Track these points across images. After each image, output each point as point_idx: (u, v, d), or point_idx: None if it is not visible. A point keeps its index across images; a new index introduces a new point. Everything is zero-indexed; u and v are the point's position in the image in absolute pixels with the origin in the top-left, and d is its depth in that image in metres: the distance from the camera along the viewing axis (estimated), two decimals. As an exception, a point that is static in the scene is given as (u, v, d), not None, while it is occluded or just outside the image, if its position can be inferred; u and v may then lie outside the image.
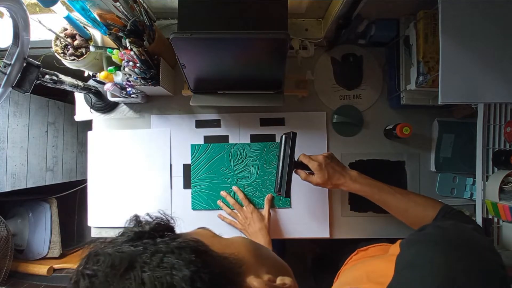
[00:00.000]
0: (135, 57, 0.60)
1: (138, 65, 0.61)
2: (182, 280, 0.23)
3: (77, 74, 0.72)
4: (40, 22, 0.58)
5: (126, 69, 0.62)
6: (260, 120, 0.80)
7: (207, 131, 0.80)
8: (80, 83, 0.70)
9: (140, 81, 0.66)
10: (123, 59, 0.61)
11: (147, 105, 0.81)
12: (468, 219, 0.51)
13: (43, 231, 1.11)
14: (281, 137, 0.67)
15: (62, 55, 0.67)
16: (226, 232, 0.77)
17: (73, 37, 0.67)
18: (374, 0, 0.62)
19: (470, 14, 0.52)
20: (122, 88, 0.69)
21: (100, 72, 0.66)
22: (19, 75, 0.52)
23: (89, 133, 0.81)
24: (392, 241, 0.51)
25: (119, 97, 0.73)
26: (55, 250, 1.12)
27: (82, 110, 0.82)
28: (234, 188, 0.77)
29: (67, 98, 1.20)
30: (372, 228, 0.77)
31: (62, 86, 0.64)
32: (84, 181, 1.08)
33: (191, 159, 0.79)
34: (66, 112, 1.19)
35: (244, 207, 0.75)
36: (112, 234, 0.81)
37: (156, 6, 0.69)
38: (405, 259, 0.34)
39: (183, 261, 0.24)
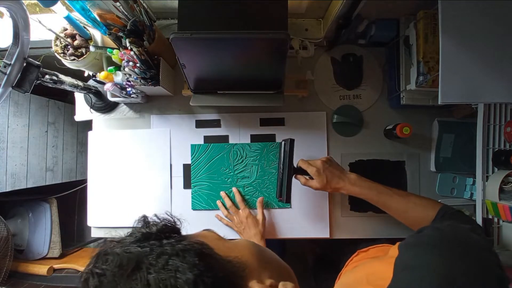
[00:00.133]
0: (135, 57, 0.60)
1: (138, 65, 0.61)
2: (185, 283, 0.23)
3: (77, 74, 0.72)
4: (40, 22, 0.58)
5: (126, 69, 0.62)
6: (260, 120, 0.80)
7: (207, 131, 0.80)
8: (80, 83, 0.70)
9: (140, 81, 0.66)
10: (123, 59, 0.61)
11: (147, 105, 0.81)
12: (467, 219, 0.51)
13: (43, 231, 1.11)
14: (280, 143, 0.70)
15: (62, 55, 0.67)
16: (227, 232, 0.77)
17: (73, 37, 0.67)
18: (374, 0, 0.62)
19: (470, 14, 0.52)
20: (122, 88, 0.69)
21: (100, 72, 0.66)
22: (19, 75, 0.52)
23: (89, 133, 0.81)
24: (392, 241, 0.51)
25: (119, 97, 0.73)
26: (55, 250, 1.12)
27: (82, 110, 0.82)
28: (234, 189, 0.77)
29: (67, 98, 1.20)
30: (372, 228, 0.77)
31: (62, 86, 0.64)
32: (84, 181, 1.08)
33: (191, 159, 0.79)
34: (66, 112, 1.19)
35: (240, 211, 0.75)
36: (112, 234, 0.81)
37: (156, 6, 0.69)
38: (403, 261, 0.34)
39: (187, 264, 0.24)
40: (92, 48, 0.64)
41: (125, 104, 0.82)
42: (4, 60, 0.50)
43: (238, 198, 0.76)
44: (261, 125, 0.80)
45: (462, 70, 0.53)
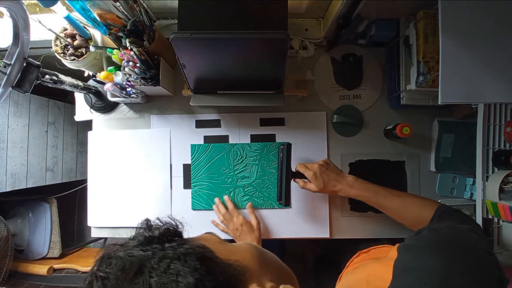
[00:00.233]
0: (135, 57, 0.60)
1: (138, 65, 0.61)
2: (186, 287, 0.24)
3: (77, 74, 0.72)
4: (40, 22, 0.58)
5: (126, 69, 0.62)
6: (260, 120, 0.80)
7: (207, 131, 0.80)
8: (80, 83, 0.70)
9: (140, 81, 0.66)
10: (123, 59, 0.61)
11: (147, 105, 0.81)
12: (464, 218, 0.51)
13: (43, 231, 1.11)
14: (279, 148, 0.72)
15: (62, 55, 0.67)
16: (225, 236, 0.77)
17: (73, 37, 0.67)
18: (374, 0, 0.62)
19: (470, 14, 0.52)
20: (122, 88, 0.69)
21: (100, 72, 0.66)
22: (19, 75, 0.52)
23: (89, 133, 0.81)
24: (392, 241, 0.51)
25: (119, 97, 0.73)
26: (55, 250, 1.12)
27: (82, 110, 0.82)
28: (225, 197, 0.77)
29: (67, 98, 1.20)
30: (372, 228, 0.77)
31: (62, 86, 0.64)
32: (84, 181, 1.08)
33: (191, 159, 0.79)
34: (66, 112, 1.19)
35: (234, 218, 0.74)
36: (112, 234, 0.81)
37: (156, 6, 0.69)
38: (402, 263, 0.34)
39: (188, 268, 0.25)
40: (92, 48, 0.64)
41: (125, 104, 0.82)
42: (4, 60, 0.50)
43: (230, 206, 0.76)
44: (261, 125, 0.80)
45: (462, 70, 0.53)
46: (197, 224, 0.78)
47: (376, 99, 0.80)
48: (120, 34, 0.59)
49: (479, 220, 0.65)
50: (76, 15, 0.59)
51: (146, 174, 0.79)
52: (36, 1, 0.53)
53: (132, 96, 0.71)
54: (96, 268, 0.26)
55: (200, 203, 0.78)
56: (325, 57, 0.80)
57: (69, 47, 0.67)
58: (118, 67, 0.66)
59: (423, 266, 0.31)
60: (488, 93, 0.53)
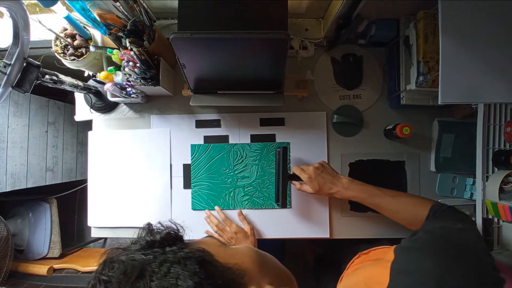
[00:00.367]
0: (135, 57, 0.60)
1: (138, 65, 0.61)
2: None
3: (77, 74, 0.72)
4: (40, 22, 0.58)
5: (126, 69, 0.62)
6: (260, 120, 0.80)
7: (207, 131, 0.80)
8: (80, 83, 0.70)
9: (140, 81, 0.66)
10: (123, 59, 0.61)
11: (147, 105, 0.81)
12: (458, 217, 0.51)
13: (43, 231, 1.12)
14: (276, 151, 0.73)
15: (62, 55, 0.67)
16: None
17: (73, 37, 0.67)
18: (374, 0, 0.62)
19: (470, 14, 0.52)
20: (122, 88, 0.69)
21: (100, 72, 0.66)
22: (19, 75, 0.52)
23: (89, 133, 0.81)
24: (392, 241, 0.51)
25: (119, 97, 0.73)
26: (55, 250, 1.12)
27: (82, 110, 0.82)
28: (216, 208, 0.77)
29: (67, 98, 1.20)
30: (372, 228, 0.77)
31: (62, 86, 0.64)
32: (84, 181, 1.08)
33: (191, 159, 0.79)
34: (66, 112, 1.19)
35: (227, 227, 0.75)
36: (112, 234, 0.81)
37: (156, 6, 0.69)
38: (398, 265, 0.35)
39: (188, 272, 0.25)
40: (92, 48, 0.64)
41: (125, 104, 0.82)
42: (4, 60, 0.50)
43: (222, 216, 0.76)
44: (261, 125, 0.80)
45: (462, 70, 0.53)
46: (197, 224, 0.78)
47: (376, 99, 0.80)
48: (120, 34, 0.59)
49: (479, 220, 0.65)
50: (76, 15, 0.59)
51: (146, 174, 0.79)
52: (36, 1, 0.53)
53: (132, 96, 0.71)
54: (99, 271, 0.27)
55: (200, 203, 0.78)
56: (325, 57, 0.80)
57: (69, 47, 0.67)
58: (118, 67, 0.66)
59: (420, 268, 0.32)
60: (488, 93, 0.53)
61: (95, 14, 0.58)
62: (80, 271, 1.08)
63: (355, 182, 0.63)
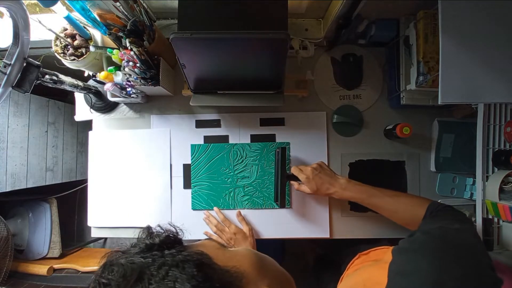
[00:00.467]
0: (135, 57, 0.60)
1: (138, 65, 0.61)
2: None
3: (77, 74, 0.72)
4: (40, 22, 0.58)
5: (126, 69, 0.62)
6: (260, 120, 0.80)
7: (207, 131, 0.80)
8: (80, 83, 0.70)
9: (140, 81, 0.66)
10: (123, 59, 0.61)
11: (147, 105, 0.81)
12: (455, 217, 0.51)
13: (43, 231, 1.12)
14: (275, 152, 0.75)
15: (62, 55, 0.67)
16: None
17: (73, 37, 0.67)
18: (374, 0, 0.62)
19: (470, 14, 0.52)
20: (122, 88, 0.69)
21: (100, 72, 0.66)
22: (19, 75, 0.52)
23: (89, 133, 0.81)
24: (393, 241, 0.51)
25: (119, 97, 0.73)
26: (55, 250, 1.12)
27: (82, 110, 0.82)
28: (215, 209, 0.77)
29: (67, 98, 1.20)
30: (372, 228, 0.77)
31: (62, 86, 0.64)
32: (84, 181, 1.08)
33: (191, 159, 0.79)
34: (66, 112, 1.19)
35: (226, 228, 0.75)
36: (112, 234, 0.81)
37: (156, 6, 0.69)
38: (396, 266, 0.35)
39: (185, 275, 0.25)
40: (92, 48, 0.64)
41: (125, 104, 0.82)
42: (4, 60, 0.50)
43: (221, 217, 0.76)
44: (261, 125, 0.80)
45: (462, 70, 0.53)
46: (197, 224, 0.78)
47: (376, 99, 0.80)
48: (120, 34, 0.59)
49: (479, 220, 0.65)
50: (76, 15, 0.59)
51: (146, 174, 0.79)
52: (36, 1, 0.53)
53: (132, 96, 0.71)
54: (99, 274, 0.27)
55: (200, 203, 0.78)
56: (325, 57, 0.80)
57: (69, 47, 0.67)
58: (118, 67, 0.66)
59: (417, 269, 0.32)
60: (488, 93, 0.53)
61: (95, 14, 0.58)
62: (80, 271, 1.08)
63: (353, 182, 0.64)
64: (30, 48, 0.53)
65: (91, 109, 0.81)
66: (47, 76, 0.58)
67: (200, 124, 0.80)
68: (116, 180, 0.80)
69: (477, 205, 0.67)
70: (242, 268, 0.30)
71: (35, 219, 1.13)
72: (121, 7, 0.55)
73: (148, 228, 0.32)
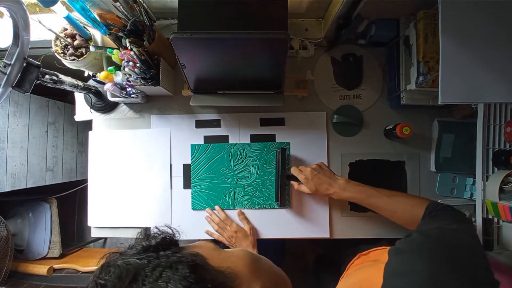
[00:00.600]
0: (135, 57, 0.60)
1: (138, 65, 0.61)
2: None
3: (77, 74, 0.72)
4: (40, 22, 0.58)
5: (126, 69, 0.62)
6: (260, 120, 0.80)
7: (207, 131, 0.80)
8: (80, 83, 0.70)
9: (140, 81, 0.66)
10: (123, 59, 0.61)
11: (147, 105, 0.81)
12: (454, 217, 0.51)
13: (43, 231, 1.12)
14: (276, 152, 0.76)
15: (62, 55, 0.67)
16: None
17: (73, 37, 0.67)
18: (374, 0, 0.62)
19: (470, 14, 0.52)
20: (122, 88, 0.69)
21: (100, 72, 0.66)
22: (19, 75, 0.52)
23: (89, 133, 0.81)
24: (392, 241, 0.51)
25: (119, 97, 0.73)
26: (55, 250, 1.12)
27: (82, 110, 0.82)
28: (216, 207, 0.77)
29: (67, 98, 1.20)
30: (372, 228, 0.77)
31: (62, 86, 0.64)
32: (84, 181, 1.08)
33: (191, 159, 0.79)
34: (66, 112, 1.19)
35: (228, 227, 0.75)
36: (112, 234, 0.81)
37: (156, 6, 0.69)
38: (392, 267, 0.35)
39: (178, 276, 0.26)
40: (92, 48, 0.64)
41: (125, 104, 0.82)
42: (4, 60, 0.50)
43: (222, 215, 0.76)
44: (261, 125, 0.80)
45: (462, 70, 0.53)
46: (197, 224, 0.77)
47: (376, 99, 0.80)
48: (120, 34, 0.59)
49: (479, 220, 0.65)
50: (76, 15, 0.59)
51: (146, 174, 0.79)
52: (36, 1, 0.53)
53: (132, 96, 0.71)
54: (96, 275, 0.28)
55: (200, 203, 0.78)
56: (325, 57, 0.80)
57: (69, 47, 0.67)
58: (118, 67, 0.66)
59: (413, 270, 0.32)
60: (488, 93, 0.53)
61: (95, 14, 0.58)
62: (80, 271, 1.08)
63: (352, 183, 0.64)
64: (30, 48, 0.53)
65: (91, 109, 0.81)
66: (47, 76, 0.58)
67: (200, 124, 0.80)
68: (116, 180, 0.80)
69: (477, 205, 0.67)
70: (236, 269, 0.30)
71: (35, 219, 1.13)
72: (121, 7, 0.55)
73: (146, 229, 0.33)
